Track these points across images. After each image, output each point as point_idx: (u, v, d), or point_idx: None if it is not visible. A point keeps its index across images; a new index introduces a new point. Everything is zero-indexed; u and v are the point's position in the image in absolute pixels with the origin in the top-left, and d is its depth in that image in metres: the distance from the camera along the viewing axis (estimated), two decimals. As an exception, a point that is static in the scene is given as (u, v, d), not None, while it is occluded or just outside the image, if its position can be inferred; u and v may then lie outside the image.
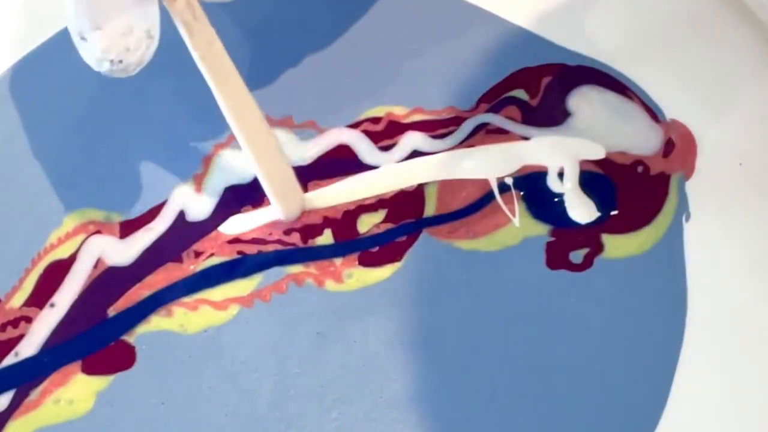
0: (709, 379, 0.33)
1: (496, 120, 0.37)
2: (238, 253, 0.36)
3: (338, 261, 0.35)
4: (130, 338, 0.35)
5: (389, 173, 0.37)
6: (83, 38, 0.29)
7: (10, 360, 0.34)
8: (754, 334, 0.33)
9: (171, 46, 0.39)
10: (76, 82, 0.39)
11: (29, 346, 0.34)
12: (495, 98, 0.38)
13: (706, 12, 0.39)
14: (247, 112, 0.32)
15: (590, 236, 0.35)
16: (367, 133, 0.37)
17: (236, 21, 0.40)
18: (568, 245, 0.35)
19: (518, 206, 0.36)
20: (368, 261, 0.35)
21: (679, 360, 0.33)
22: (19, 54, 0.40)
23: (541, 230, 0.35)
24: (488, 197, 0.36)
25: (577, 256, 0.35)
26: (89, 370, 0.34)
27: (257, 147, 0.33)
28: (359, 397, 0.33)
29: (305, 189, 0.36)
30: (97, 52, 0.29)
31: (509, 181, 0.36)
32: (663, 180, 0.36)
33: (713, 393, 0.33)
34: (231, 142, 0.38)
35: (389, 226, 0.36)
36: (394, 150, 0.37)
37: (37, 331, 0.35)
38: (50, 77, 0.39)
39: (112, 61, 0.29)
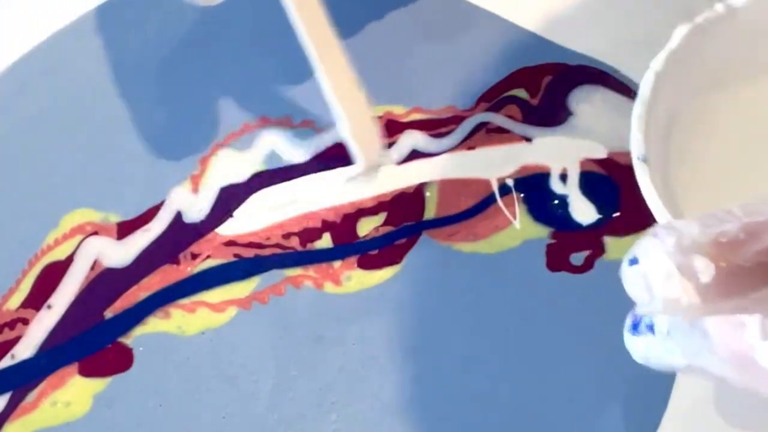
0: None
1: (497, 119, 0.37)
2: (235, 255, 0.35)
3: (337, 264, 0.35)
4: (128, 340, 0.34)
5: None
6: None
7: (6, 362, 0.34)
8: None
9: (168, 46, 0.39)
10: (72, 84, 0.39)
11: (26, 348, 0.34)
12: (495, 97, 0.38)
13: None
14: (331, 50, 0.34)
15: (592, 238, 0.35)
16: (365, 132, 0.37)
17: (235, 21, 0.40)
18: (568, 247, 0.35)
19: (519, 208, 0.35)
20: (367, 263, 0.35)
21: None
22: (15, 56, 0.39)
23: (541, 232, 0.35)
24: (489, 200, 0.36)
25: (578, 258, 0.34)
26: (86, 372, 0.34)
27: (338, 84, 0.33)
28: (358, 400, 0.33)
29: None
30: None
31: (510, 183, 0.36)
32: (665, 180, 0.36)
33: (714, 394, 0.32)
34: (229, 141, 0.37)
35: (389, 229, 0.35)
36: (393, 149, 0.37)
37: (33, 333, 0.35)
38: (46, 78, 0.39)
39: None
